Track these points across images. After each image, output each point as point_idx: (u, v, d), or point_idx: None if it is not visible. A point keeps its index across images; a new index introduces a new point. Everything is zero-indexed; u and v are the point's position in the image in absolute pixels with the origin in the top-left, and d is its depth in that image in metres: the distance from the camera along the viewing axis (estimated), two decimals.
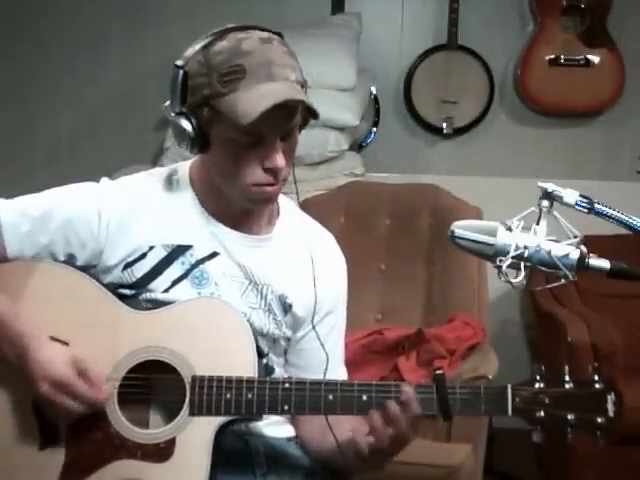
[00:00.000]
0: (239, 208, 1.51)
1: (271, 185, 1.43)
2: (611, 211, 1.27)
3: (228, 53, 1.37)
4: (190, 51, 1.40)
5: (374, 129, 3.61)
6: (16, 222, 1.47)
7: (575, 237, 1.25)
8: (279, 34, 1.44)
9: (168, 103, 1.42)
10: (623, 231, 1.30)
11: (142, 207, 1.50)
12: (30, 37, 3.67)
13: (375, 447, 1.40)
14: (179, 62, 1.40)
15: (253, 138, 1.39)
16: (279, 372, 1.59)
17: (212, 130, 1.40)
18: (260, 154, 1.40)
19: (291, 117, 1.41)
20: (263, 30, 1.42)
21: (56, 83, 3.69)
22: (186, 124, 1.40)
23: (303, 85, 1.43)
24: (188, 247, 1.50)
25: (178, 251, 1.50)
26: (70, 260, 1.49)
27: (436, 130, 3.59)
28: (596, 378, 1.35)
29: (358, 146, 3.54)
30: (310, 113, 1.42)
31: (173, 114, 1.41)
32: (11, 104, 3.71)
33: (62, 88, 3.69)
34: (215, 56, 1.37)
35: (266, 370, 1.55)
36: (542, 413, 1.34)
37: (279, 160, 1.40)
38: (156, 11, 3.63)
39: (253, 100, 1.34)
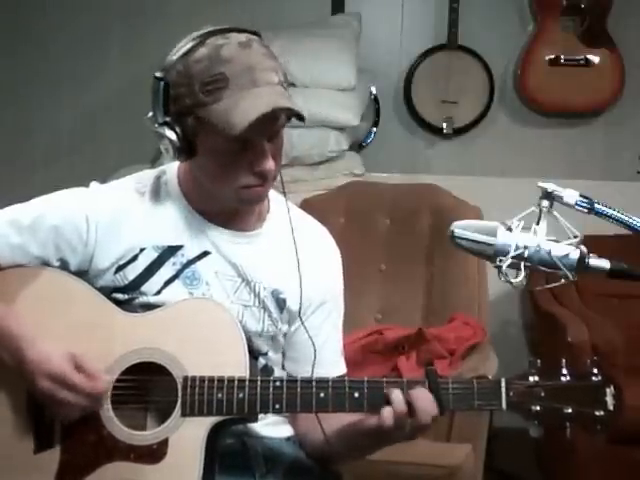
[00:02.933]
0: (228, 207, 1.51)
1: (260, 186, 1.44)
2: (611, 211, 1.27)
3: (208, 61, 1.36)
4: (169, 60, 1.39)
5: (374, 129, 3.61)
6: (6, 233, 1.47)
7: (575, 237, 1.25)
8: (257, 34, 1.43)
9: (150, 115, 1.42)
10: (623, 231, 1.30)
11: (131, 209, 1.50)
12: (30, 37, 3.67)
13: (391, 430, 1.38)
14: (158, 73, 1.39)
15: (241, 144, 1.39)
16: (278, 373, 1.58)
17: (198, 138, 1.40)
18: (249, 159, 1.41)
19: (277, 120, 1.41)
20: (240, 31, 1.40)
21: (56, 83, 3.69)
22: (170, 134, 1.39)
23: (286, 86, 1.43)
24: (179, 247, 1.50)
25: (169, 252, 1.50)
26: (63, 265, 1.49)
27: (436, 130, 3.59)
28: (594, 371, 1.33)
29: (358, 146, 3.54)
30: (297, 115, 1.41)
31: (157, 125, 1.41)
32: (11, 104, 3.71)
33: (62, 88, 3.68)
34: (195, 65, 1.36)
35: (265, 372, 1.55)
36: (538, 407, 1.33)
37: (268, 163, 1.41)
38: (156, 11, 3.63)
39: (240, 110, 1.34)
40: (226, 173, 1.42)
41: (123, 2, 3.67)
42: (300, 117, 1.41)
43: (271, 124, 1.40)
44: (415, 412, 1.36)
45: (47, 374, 1.37)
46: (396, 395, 1.36)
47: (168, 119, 1.39)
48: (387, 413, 1.36)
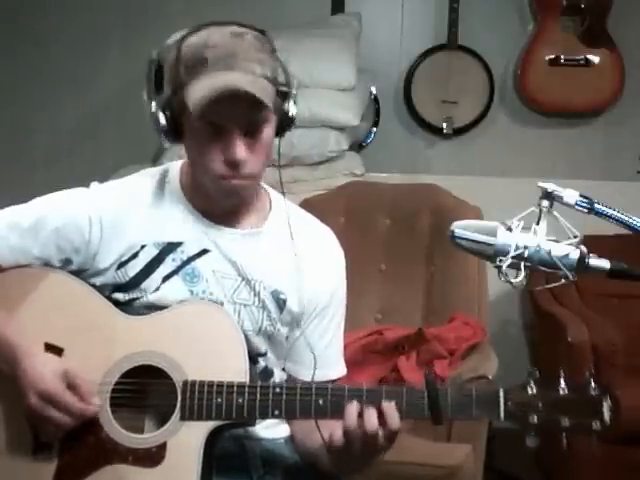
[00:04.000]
0: (224, 205, 1.51)
1: (234, 178, 1.42)
2: (611, 211, 1.27)
3: (196, 46, 1.38)
4: (165, 44, 1.44)
5: (374, 129, 3.61)
6: (6, 235, 1.47)
7: (575, 237, 1.25)
8: (261, 31, 1.43)
9: (145, 96, 1.44)
10: (623, 231, 1.30)
11: (133, 207, 1.50)
12: (30, 37, 3.67)
13: (346, 447, 1.37)
14: (153, 55, 1.42)
15: (213, 128, 1.39)
16: (278, 375, 1.58)
17: (182, 120, 1.42)
18: (220, 145, 1.40)
19: (252, 110, 1.38)
20: (243, 26, 1.41)
21: (56, 83, 3.69)
22: (160, 115, 1.41)
23: (275, 83, 1.42)
24: (179, 244, 1.50)
25: (169, 248, 1.50)
26: (65, 265, 1.49)
27: (436, 130, 3.59)
28: (592, 384, 1.33)
29: (358, 146, 3.54)
30: (287, 118, 1.42)
31: (149, 105, 1.42)
32: (11, 104, 3.71)
33: (62, 88, 3.68)
34: (185, 49, 1.39)
35: (265, 373, 1.55)
36: (535, 418, 1.32)
37: (238, 152, 1.39)
38: (156, 11, 3.63)
39: (203, 88, 1.35)
40: (201, 158, 1.42)
41: (123, 2, 3.67)
42: (290, 120, 1.42)
43: (244, 112, 1.37)
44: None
45: (37, 392, 1.37)
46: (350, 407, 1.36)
47: (159, 100, 1.41)
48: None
